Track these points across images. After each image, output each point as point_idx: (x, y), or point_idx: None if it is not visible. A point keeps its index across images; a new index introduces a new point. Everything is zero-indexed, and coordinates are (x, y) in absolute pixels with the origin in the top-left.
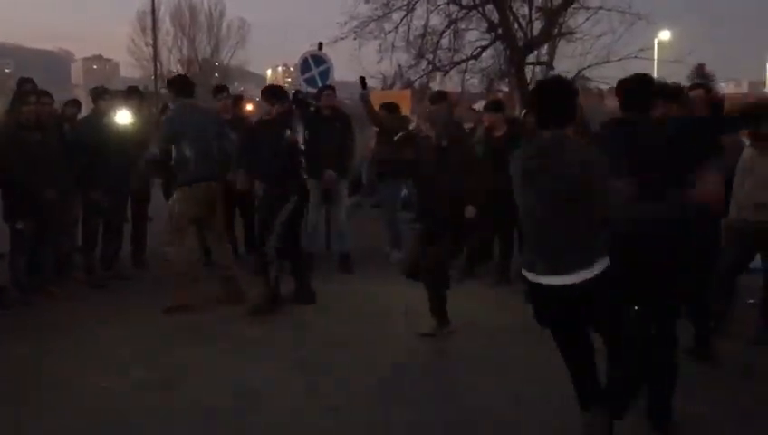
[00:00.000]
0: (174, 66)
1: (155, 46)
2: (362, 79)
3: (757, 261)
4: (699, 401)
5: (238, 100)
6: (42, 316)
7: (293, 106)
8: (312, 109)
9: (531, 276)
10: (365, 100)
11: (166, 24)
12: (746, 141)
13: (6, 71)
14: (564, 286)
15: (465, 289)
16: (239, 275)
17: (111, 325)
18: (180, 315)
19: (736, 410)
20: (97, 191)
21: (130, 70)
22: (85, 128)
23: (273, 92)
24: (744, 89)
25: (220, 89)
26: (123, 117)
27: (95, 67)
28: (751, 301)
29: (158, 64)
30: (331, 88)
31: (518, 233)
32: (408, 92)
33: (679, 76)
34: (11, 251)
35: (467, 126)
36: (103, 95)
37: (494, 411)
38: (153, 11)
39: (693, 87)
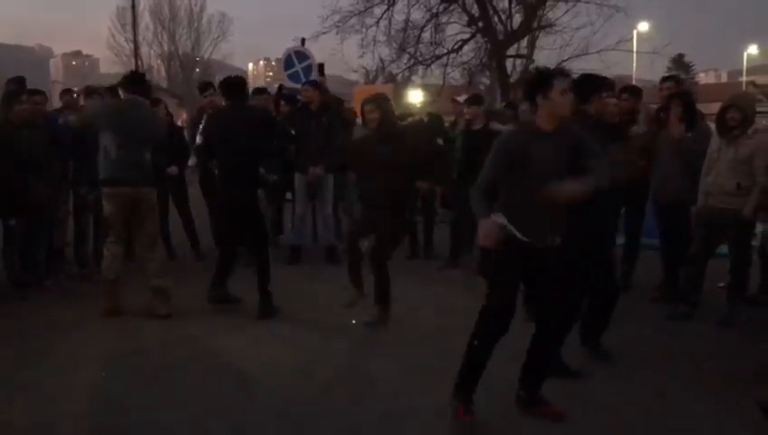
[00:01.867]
0: (154, 61)
1: (135, 42)
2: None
3: (725, 246)
4: (668, 375)
5: None
6: (36, 309)
7: (280, 101)
8: (299, 104)
9: None
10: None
11: (145, 19)
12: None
13: None
14: None
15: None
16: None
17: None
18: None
19: (704, 387)
20: (85, 187)
21: (111, 66)
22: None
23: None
24: (724, 78)
25: (206, 85)
26: None
27: (75, 63)
28: (721, 284)
29: (139, 60)
30: (312, 82)
31: None
32: (390, 87)
33: (658, 66)
34: (5, 245)
35: (448, 118)
36: (92, 94)
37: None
38: (133, 6)
39: (664, 79)
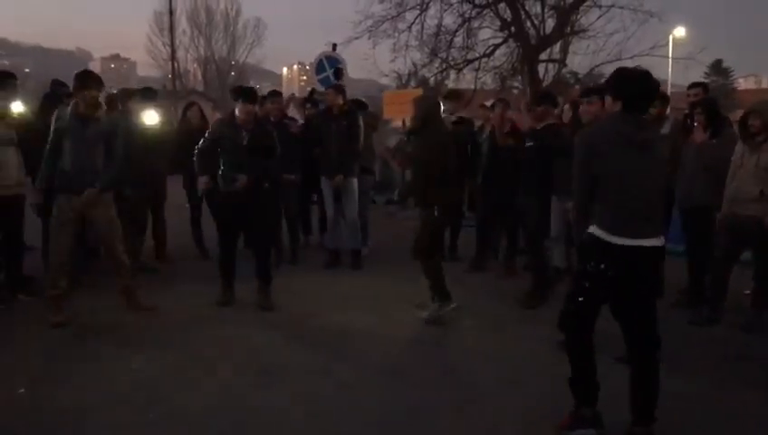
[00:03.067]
0: (191, 65)
1: (172, 46)
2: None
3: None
4: (690, 381)
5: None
6: (72, 304)
7: (309, 105)
8: (322, 108)
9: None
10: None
11: (183, 24)
12: None
13: (26, 70)
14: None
15: (471, 280)
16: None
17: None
18: (194, 300)
19: (727, 391)
20: (128, 188)
21: (148, 69)
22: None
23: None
24: (765, 84)
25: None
26: (151, 118)
27: (113, 66)
28: (747, 292)
29: (176, 64)
30: (334, 87)
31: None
32: (419, 91)
33: (695, 72)
34: (44, 243)
35: (478, 123)
36: (133, 97)
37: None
38: (170, 11)
39: (691, 86)
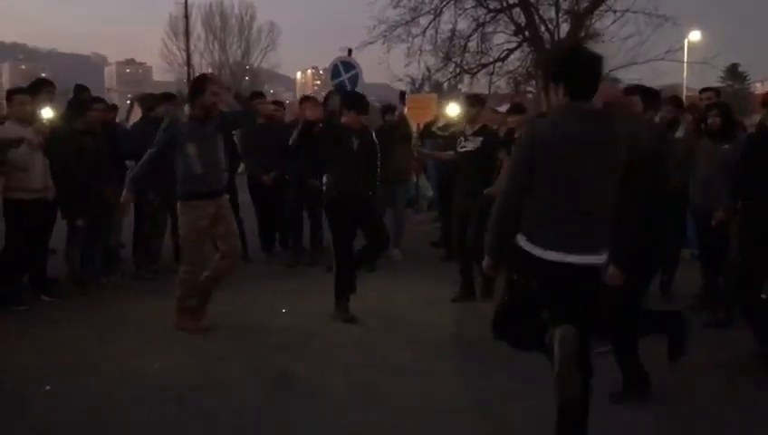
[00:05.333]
0: (205, 70)
1: (187, 50)
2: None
3: None
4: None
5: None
6: (94, 305)
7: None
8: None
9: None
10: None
11: (197, 29)
12: None
13: (42, 75)
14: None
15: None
16: None
17: (157, 311)
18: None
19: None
20: (152, 192)
21: (163, 74)
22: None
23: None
24: None
25: (255, 95)
26: None
27: (128, 71)
28: (763, 295)
29: (191, 68)
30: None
31: None
32: (434, 96)
33: (711, 76)
34: (68, 245)
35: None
36: (161, 102)
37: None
38: (186, 16)
39: (704, 90)
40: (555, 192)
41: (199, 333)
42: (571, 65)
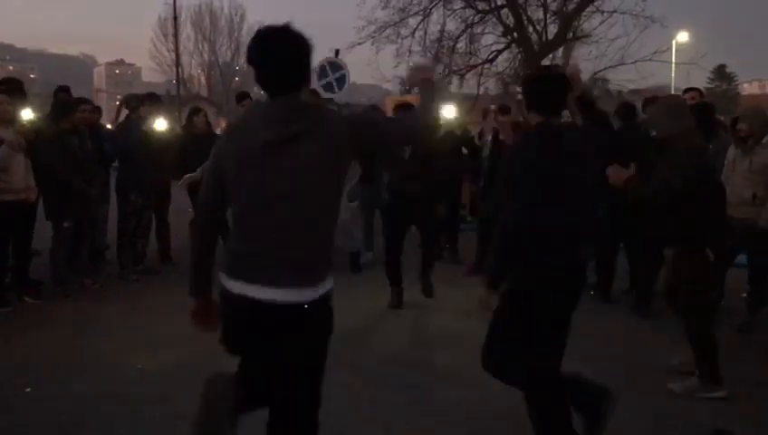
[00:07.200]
0: (195, 71)
1: (176, 51)
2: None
3: (743, 256)
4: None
5: None
6: (78, 307)
7: None
8: None
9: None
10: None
11: (187, 30)
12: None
13: (31, 76)
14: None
15: (470, 284)
16: None
17: (142, 312)
18: None
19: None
20: (134, 193)
21: (153, 75)
22: (131, 132)
23: None
24: None
25: (243, 95)
26: (161, 123)
27: (117, 72)
28: (744, 295)
29: (180, 69)
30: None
31: None
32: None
33: (698, 77)
34: (54, 247)
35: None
36: (144, 102)
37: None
38: (175, 17)
39: (687, 90)
40: (239, 207)
41: None
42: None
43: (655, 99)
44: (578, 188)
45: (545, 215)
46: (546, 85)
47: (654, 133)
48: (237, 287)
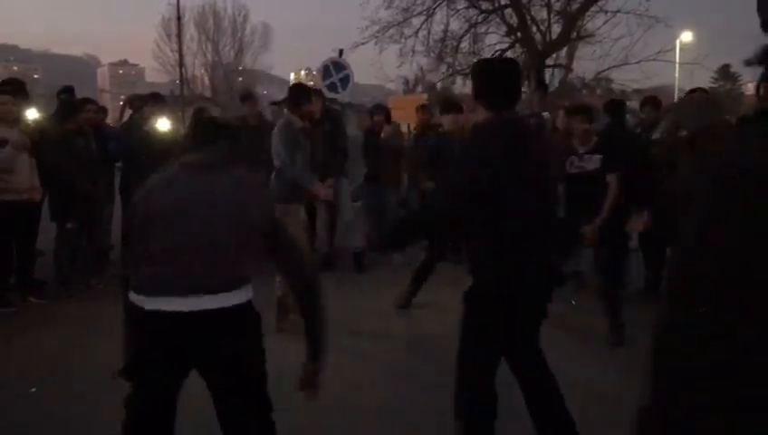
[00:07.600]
0: (198, 71)
1: (180, 52)
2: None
3: None
4: None
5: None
6: (82, 307)
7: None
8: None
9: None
10: None
11: (190, 30)
12: None
13: (35, 76)
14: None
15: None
16: None
17: None
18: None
19: None
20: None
21: (156, 75)
22: (133, 132)
23: None
24: None
25: (248, 95)
26: (163, 123)
27: (121, 72)
28: None
29: (183, 69)
30: (316, 92)
31: None
32: (423, 97)
33: (702, 77)
34: (57, 247)
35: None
36: (148, 102)
37: None
38: (178, 17)
39: (692, 91)
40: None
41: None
42: None
43: (654, 99)
44: (538, 186)
45: (505, 214)
46: (500, 77)
47: (684, 133)
48: (148, 304)
